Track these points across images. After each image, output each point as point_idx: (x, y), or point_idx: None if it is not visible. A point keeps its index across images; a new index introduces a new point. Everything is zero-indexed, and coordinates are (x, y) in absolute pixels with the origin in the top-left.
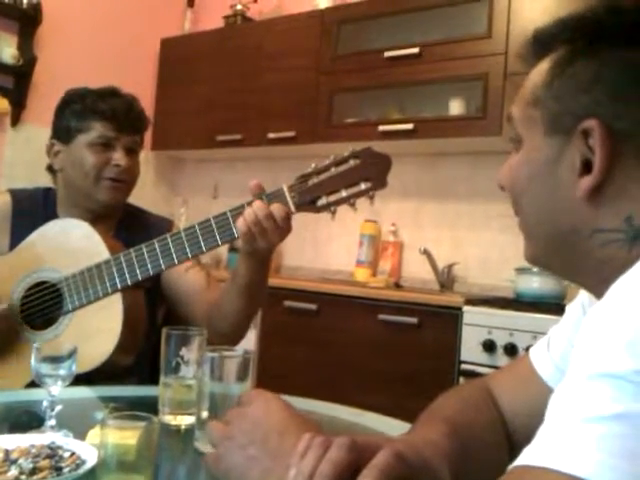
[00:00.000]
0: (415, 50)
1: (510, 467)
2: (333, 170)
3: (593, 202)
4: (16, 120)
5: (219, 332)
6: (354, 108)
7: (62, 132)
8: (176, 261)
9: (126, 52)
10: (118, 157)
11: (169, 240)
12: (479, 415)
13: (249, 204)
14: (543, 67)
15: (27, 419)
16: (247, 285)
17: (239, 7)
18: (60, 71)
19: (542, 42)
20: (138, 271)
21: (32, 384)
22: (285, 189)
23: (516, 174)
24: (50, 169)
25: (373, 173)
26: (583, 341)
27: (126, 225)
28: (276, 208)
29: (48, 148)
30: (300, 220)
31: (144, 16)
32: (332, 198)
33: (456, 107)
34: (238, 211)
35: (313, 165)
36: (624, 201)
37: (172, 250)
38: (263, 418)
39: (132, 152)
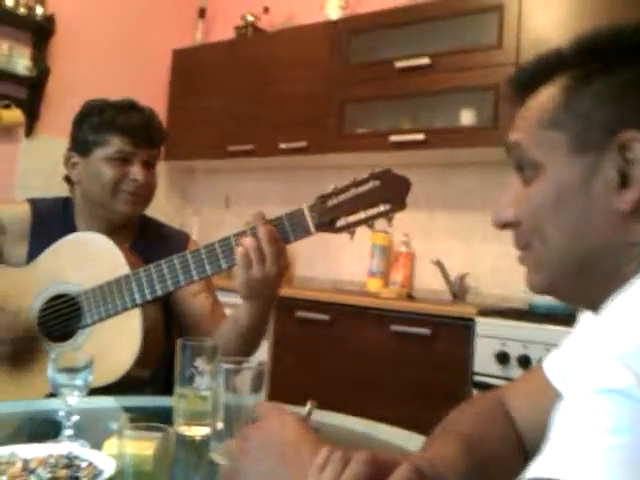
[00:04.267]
0: (426, 60)
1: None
2: (353, 191)
3: (633, 216)
4: (30, 131)
5: None
6: (365, 118)
7: (80, 145)
8: (195, 278)
9: (138, 63)
10: (136, 171)
11: (188, 257)
12: (493, 429)
13: (251, 229)
14: (550, 92)
15: (44, 429)
16: (247, 331)
17: (250, 18)
18: (73, 82)
19: (537, 73)
20: (158, 287)
21: (52, 395)
22: (305, 209)
23: (539, 202)
24: (68, 179)
25: (392, 195)
26: (582, 356)
27: (143, 237)
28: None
29: (66, 159)
30: None
31: (156, 27)
32: (351, 219)
33: (467, 117)
34: (255, 230)
35: (332, 186)
36: None
37: (191, 267)
38: (279, 432)
39: (149, 166)
